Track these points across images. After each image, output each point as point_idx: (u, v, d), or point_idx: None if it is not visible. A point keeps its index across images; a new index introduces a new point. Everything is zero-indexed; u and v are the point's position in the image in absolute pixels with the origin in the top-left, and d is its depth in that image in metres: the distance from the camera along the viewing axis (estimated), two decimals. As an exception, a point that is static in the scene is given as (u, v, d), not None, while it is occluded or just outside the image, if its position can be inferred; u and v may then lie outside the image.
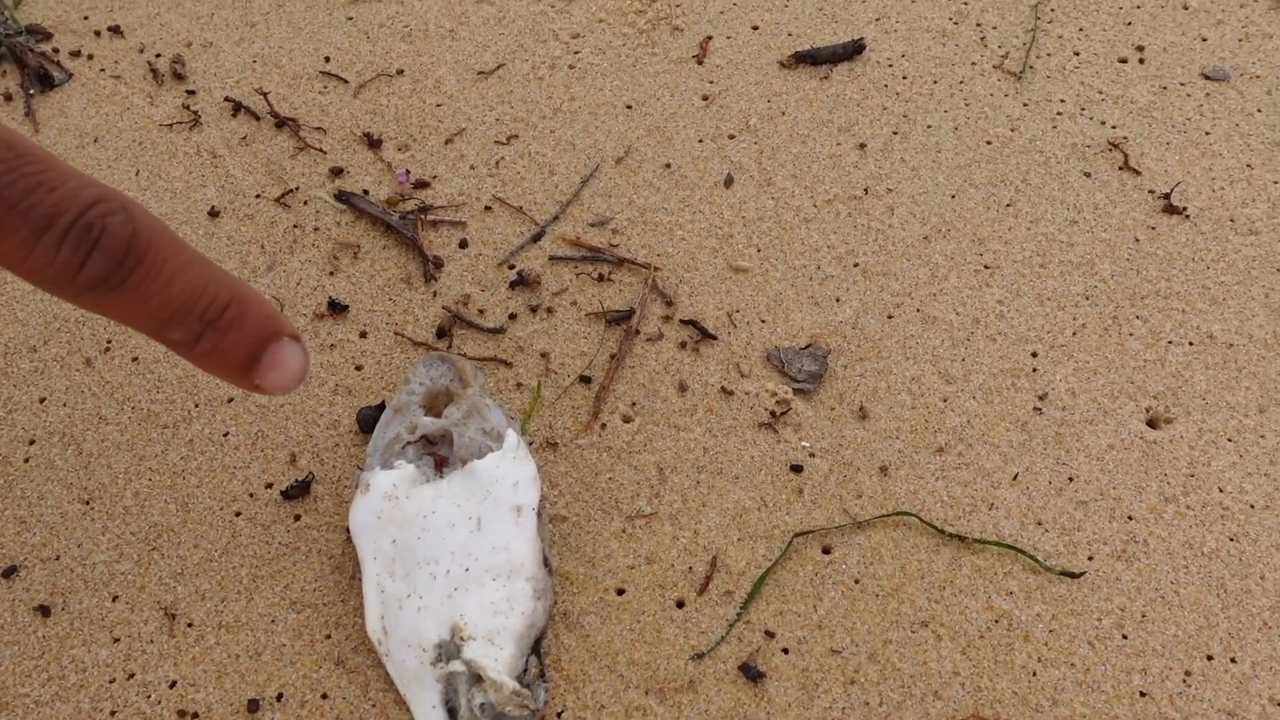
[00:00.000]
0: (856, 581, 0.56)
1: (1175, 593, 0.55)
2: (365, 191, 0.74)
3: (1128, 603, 0.55)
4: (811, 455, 0.61)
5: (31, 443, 0.62)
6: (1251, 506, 0.58)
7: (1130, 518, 0.58)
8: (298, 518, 0.59)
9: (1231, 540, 0.57)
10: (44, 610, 0.56)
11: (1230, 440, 0.61)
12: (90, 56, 0.84)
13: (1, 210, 0.34)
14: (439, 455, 0.55)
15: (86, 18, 0.87)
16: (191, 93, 0.81)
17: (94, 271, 0.36)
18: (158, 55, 0.84)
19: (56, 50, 0.84)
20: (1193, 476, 0.59)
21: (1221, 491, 0.59)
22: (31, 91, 0.81)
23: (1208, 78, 0.79)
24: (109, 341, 0.67)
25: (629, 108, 0.79)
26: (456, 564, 0.51)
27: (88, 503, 0.60)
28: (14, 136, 0.35)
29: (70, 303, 0.38)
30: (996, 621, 0.55)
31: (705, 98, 0.80)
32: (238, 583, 0.57)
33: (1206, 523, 0.58)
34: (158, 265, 0.38)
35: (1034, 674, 0.53)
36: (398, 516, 0.53)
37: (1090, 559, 0.57)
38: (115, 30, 0.86)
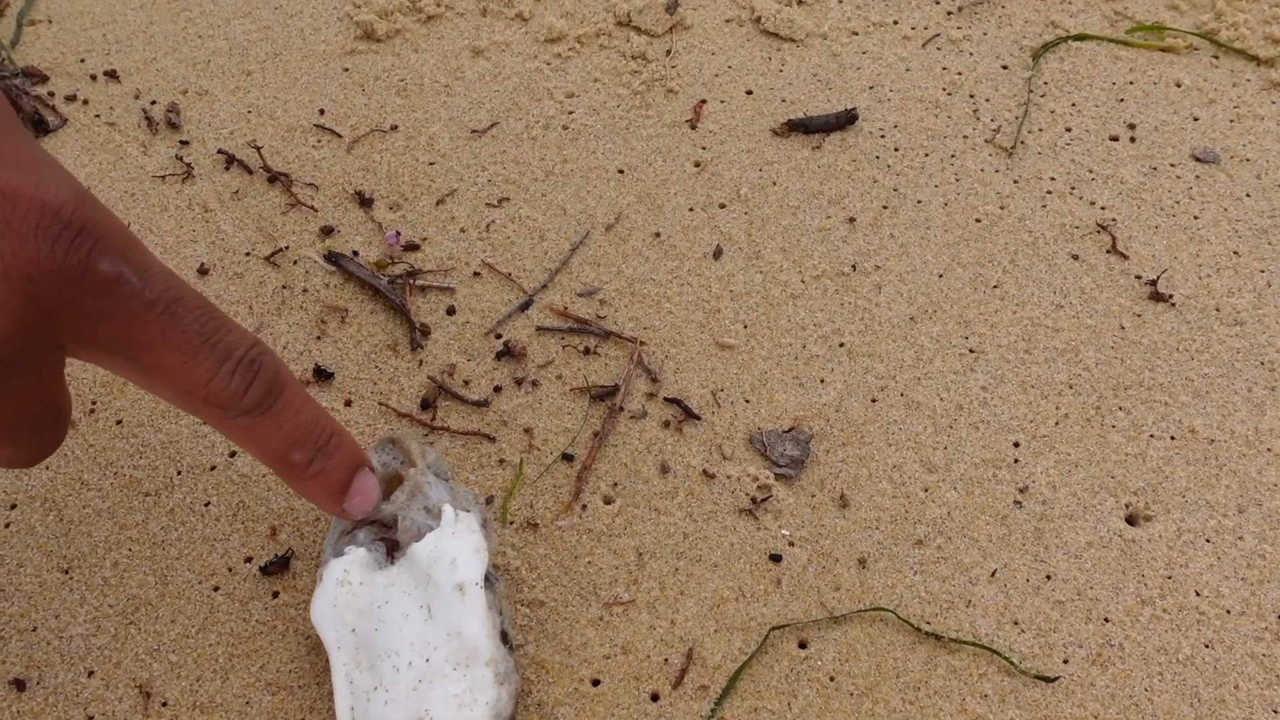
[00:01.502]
0: (831, 679, 0.56)
1: (1149, 700, 0.56)
2: (355, 253, 0.74)
3: (1101, 710, 0.55)
4: (791, 544, 0.61)
5: (13, 507, 0.62)
6: (1228, 611, 0.59)
7: (1106, 620, 0.58)
8: (276, 594, 0.59)
9: (1207, 647, 0.57)
10: (19, 684, 0.56)
11: (1208, 541, 0.61)
12: (86, 101, 0.84)
13: (199, 344, 0.45)
14: (391, 540, 0.55)
15: (83, 60, 0.87)
16: (185, 143, 0.81)
17: (254, 397, 0.46)
18: (153, 102, 0.84)
19: (52, 94, 0.84)
20: (1170, 578, 0.60)
21: (1198, 595, 0.59)
22: (24, 137, 0.81)
23: (1198, 159, 0.79)
24: (93, 403, 0.67)
25: (621, 172, 0.79)
26: (417, 655, 0.51)
27: (67, 572, 0.60)
28: (196, 293, 0.46)
29: (222, 429, 0.48)
30: (969, 725, 0.55)
31: (697, 164, 0.80)
32: (214, 661, 0.57)
33: (1182, 627, 0.58)
34: (291, 397, 0.48)
35: (1005, 780, 0.53)
36: (354, 604, 0.53)
37: (1065, 662, 0.57)
38: (111, 75, 0.86)
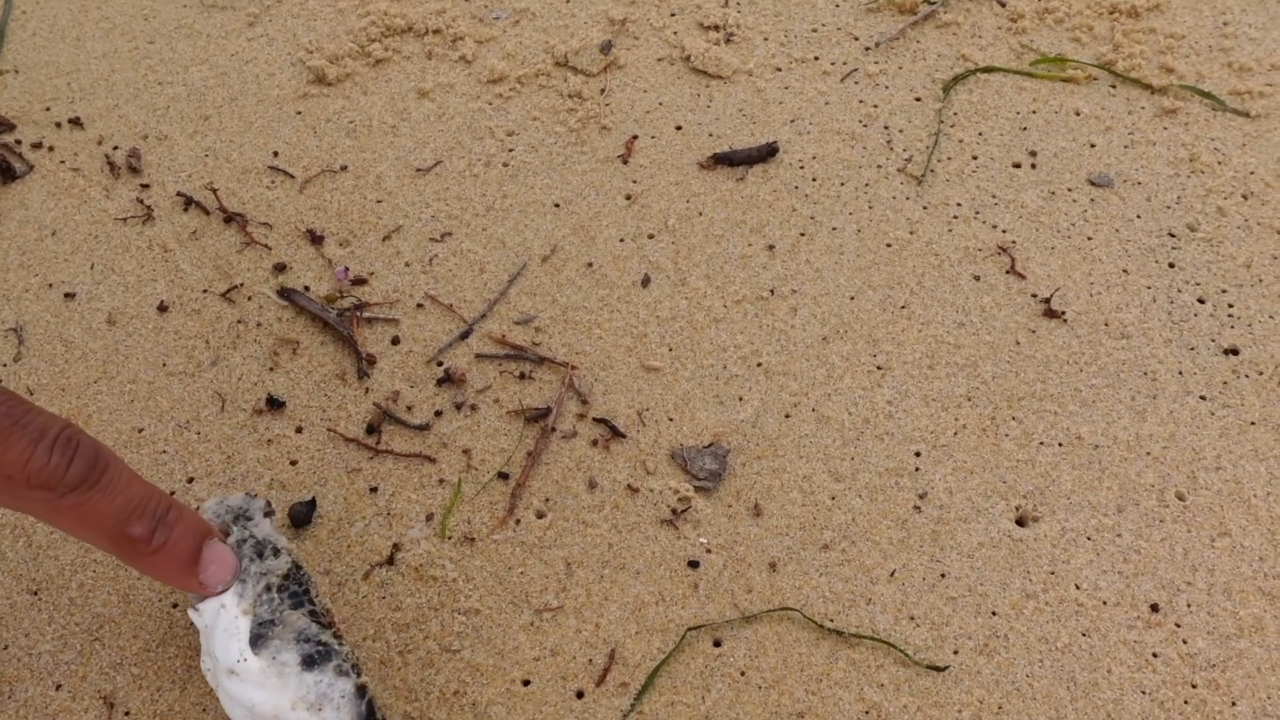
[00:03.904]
0: (742, 674, 0.62)
1: (1030, 685, 0.61)
2: (306, 288, 0.79)
3: (986, 695, 0.61)
4: (708, 551, 0.66)
5: (-16, 535, 0.67)
6: (1104, 603, 0.64)
7: (994, 613, 0.64)
8: (231, 609, 0.64)
9: (1084, 635, 0.63)
10: (-8, 699, 0.61)
11: (1089, 539, 0.67)
12: (51, 148, 0.89)
13: (9, 426, 0.45)
14: None
15: (48, 108, 0.92)
16: (146, 186, 0.86)
17: (77, 471, 0.46)
18: (115, 148, 0.89)
19: (19, 142, 0.89)
20: (1053, 574, 0.65)
21: (1078, 588, 0.65)
22: (-7, 184, 0.86)
23: (1093, 184, 0.85)
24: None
25: (557, 206, 0.84)
26: None
27: (35, 593, 0.65)
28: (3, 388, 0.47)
29: (52, 515, 0.47)
30: (867, 713, 0.60)
31: (628, 197, 0.85)
32: (173, 673, 0.62)
33: (1062, 618, 0.63)
34: (118, 471, 0.48)
35: (898, 761, 0.59)
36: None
37: (955, 653, 0.62)
38: (75, 122, 0.91)
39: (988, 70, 0.94)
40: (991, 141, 0.89)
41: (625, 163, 0.88)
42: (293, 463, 0.70)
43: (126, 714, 0.60)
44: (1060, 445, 0.71)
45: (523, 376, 0.74)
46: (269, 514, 0.59)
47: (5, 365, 0.75)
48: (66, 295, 0.79)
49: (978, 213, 0.84)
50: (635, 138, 0.89)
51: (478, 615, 0.64)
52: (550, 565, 0.66)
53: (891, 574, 0.65)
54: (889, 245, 0.82)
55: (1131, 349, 0.76)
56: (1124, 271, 0.80)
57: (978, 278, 0.80)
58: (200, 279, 0.80)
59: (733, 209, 0.84)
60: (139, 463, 0.70)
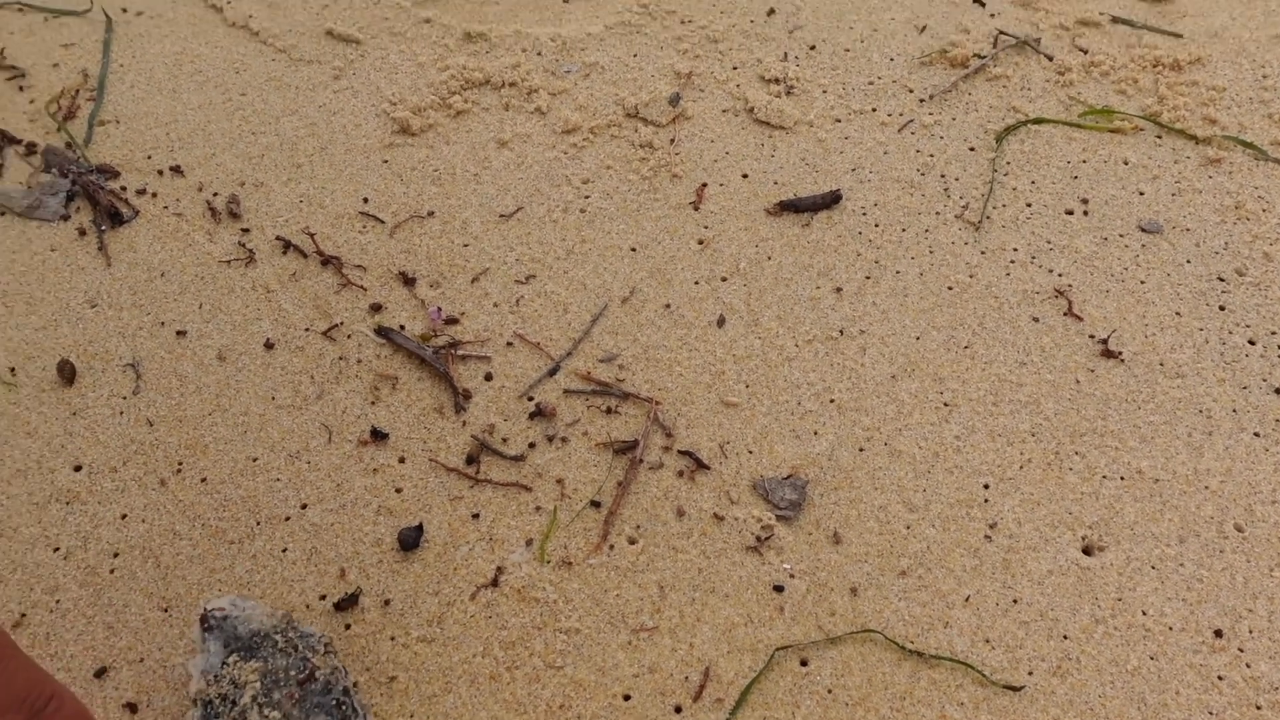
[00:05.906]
0: (829, 691, 0.66)
1: (1102, 706, 0.65)
2: (402, 327, 0.84)
3: (1061, 714, 0.64)
4: (792, 576, 0.70)
5: (116, 555, 0.72)
6: (1170, 628, 0.68)
7: (1065, 637, 0.68)
8: (348, 626, 0.68)
9: (1152, 659, 0.67)
10: (132, 707, 0.65)
11: (1154, 568, 0.71)
12: (155, 195, 0.94)
13: None
14: None
15: (150, 157, 0.98)
16: (246, 230, 0.91)
17: None
18: (215, 194, 0.94)
19: (124, 188, 0.95)
20: (1120, 600, 0.69)
21: (1145, 614, 0.69)
22: (103, 228, 0.92)
23: (1144, 230, 0.90)
24: (180, 464, 0.76)
25: (633, 250, 0.89)
26: None
27: (166, 610, 0.69)
28: None
29: None
30: (948, 728, 0.64)
31: (701, 242, 0.90)
32: (296, 687, 0.66)
33: (1131, 642, 0.67)
34: (2, 664, 0.48)
35: (979, 774, 0.62)
36: None
37: (1030, 674, 0.66)
38: (176, 170, 0.97)
39: (1038, 121, 0.98)
40: (1044, 189, 0.93)
41: (696, 209, 0.93)
42: (398, 490, 0.75)
43: (256, 724, 0.64)
44: (1122, 479, 0.75)
45: (609, 411, 0.79)
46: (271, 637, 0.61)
47: (125, 398, 0.80)
48: (178, 333, 0.84)
49: (1034, 257, 0.88)
50: (705, 185, 0.95)
51: (578, 634, 0.68)
52: (644, 588, 0.70)
53: (966, 599, 0.69)
54: (950, 288, 0.86)
55: (1186, 388, 0.80)
56: (1176, 314, 0.84)
57: (1037, 319, 0.84)
58: (302, 318, 0.85)
59: (800, 253, 0.89)
60: (255, 490, 0.75)
